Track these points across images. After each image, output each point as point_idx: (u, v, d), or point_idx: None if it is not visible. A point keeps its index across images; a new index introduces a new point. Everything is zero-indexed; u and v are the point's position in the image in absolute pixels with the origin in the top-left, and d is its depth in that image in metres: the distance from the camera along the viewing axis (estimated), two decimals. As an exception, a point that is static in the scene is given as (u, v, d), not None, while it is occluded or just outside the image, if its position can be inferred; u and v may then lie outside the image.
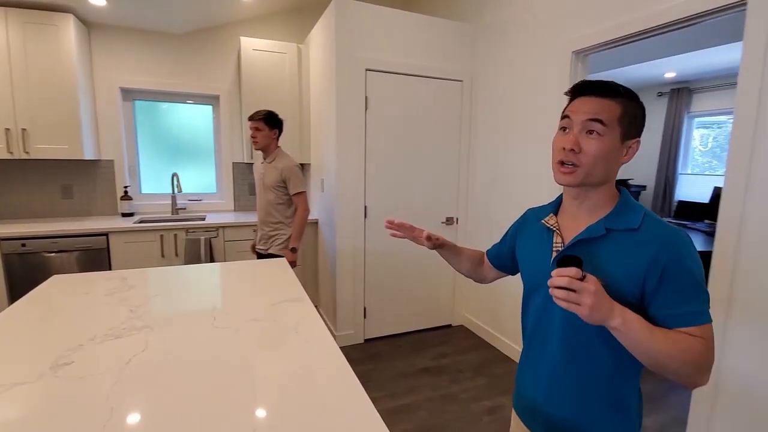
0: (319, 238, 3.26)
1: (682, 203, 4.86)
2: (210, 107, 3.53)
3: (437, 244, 1.10)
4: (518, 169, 2.63)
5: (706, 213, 4.42)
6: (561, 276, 0.69)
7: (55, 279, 1.60)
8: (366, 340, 2.96)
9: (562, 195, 0.95)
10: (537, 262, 0.92)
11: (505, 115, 2.72)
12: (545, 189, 2.40)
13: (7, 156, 2.70)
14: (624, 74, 4.53)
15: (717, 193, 4.50)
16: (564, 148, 0.81)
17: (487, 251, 1.17)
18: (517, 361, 2.61)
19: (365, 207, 2.83)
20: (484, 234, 2.96)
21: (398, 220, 1.09)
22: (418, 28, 2.81)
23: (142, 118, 3.38)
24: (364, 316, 2.93)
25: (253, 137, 2.45)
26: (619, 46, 2.09)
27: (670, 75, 4.58)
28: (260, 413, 0.78)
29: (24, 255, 2.60)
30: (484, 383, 2.42)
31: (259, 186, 2.57)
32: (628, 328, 0.70)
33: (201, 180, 3.60)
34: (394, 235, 1.10)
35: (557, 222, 0.90)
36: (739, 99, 1.50)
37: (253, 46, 3.11)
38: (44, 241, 2.63)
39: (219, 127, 3.52)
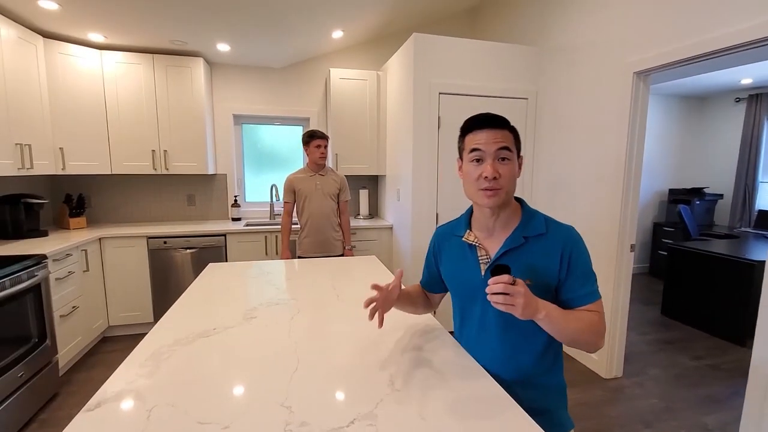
0: (393, 241, 3.67)
1: (762, 212, 4.64)
2: (301, 127, 4.11)
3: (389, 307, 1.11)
4: (577, 180, 2.85)
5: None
6: (497, 283, 0.84)
7: (211, 267, 2.14)
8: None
9: (468, 213, 1.12)
10: (467, 277, 1.07)
11: (568, 131, 2.95)
12: (602, 198, 2.60)
13: (152, 172, 3.43)
14: (698, 81, 4.47)
15: (805, 202, 4.26)
16: (486, 177, 0.95)
17: (421, 283, 1.29)
18: (577, 358, 2.93)
19: (437, 214, 3.19)
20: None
21: (368, 299, 1.03)
22: (486, 53, 3.14)
23: (247, 137, 4.04)
24: (433, 313, 3.27)
25: (322, 154, 2.77)
26: (680, 67, 2.26)
27: (746, 81, 4.44)
28: (384, 349, 1.17)
29: (165, 250, 3.28)
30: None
31: (317, 196, 2.77)
32: (551, 317, 0.89)
33: (291, 190, 4.19)
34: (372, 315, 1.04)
35: (477, 237, 1.06)
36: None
37: (340, 75, 3.63)
38: (179, 240, 3.30)
39: (308, 144, 4.09)
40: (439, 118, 3.09)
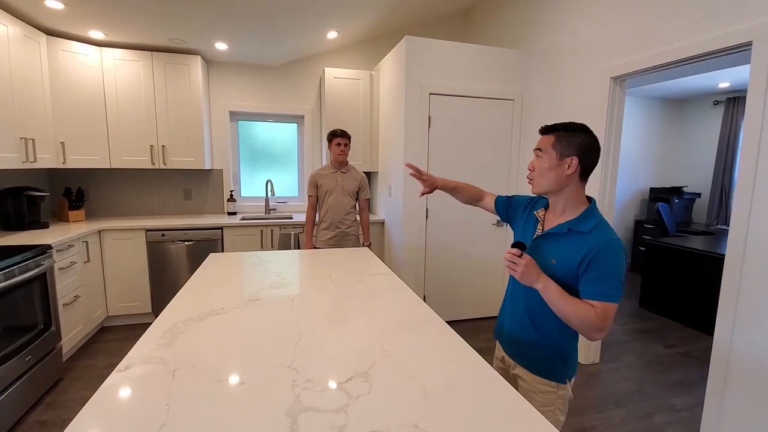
0: (385, 236, 3.81)
1: (738, 211, 4.87)
2: (295, 125, 4.23)
3: (432, 189, 1.64)
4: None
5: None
6: (509, 253, 1.16)
7: (213, 257, 2.25)
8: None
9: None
10: (523, 238, 1.34)
11: (552, 131, 3.11)
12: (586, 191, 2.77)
13: (151, 166, 3.52)
14: (678, 85, 4.68)
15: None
16: (528, 168, 1.28)
17: (497, 198, 1.56)
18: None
19: (426, 209, 3.33)
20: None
21: (415, 167, 1.63)
22: (475, 56, 3.29)
23: (243, 134, 4.14)
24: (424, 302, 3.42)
25: (342, 152, 2.89)
26: (653, 73, 2.43)
27: (724, 85, 4.67)
28: (381, 328, 1.31)
29: (162, 242, 3.38)
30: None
31: (338, 192, 2.91)
32: (547, 291, 1.13)
33: (284, 185, 4.30)
34: (412, 175, 1.64)
35: (544, 215, 1.31)
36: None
37: (335, 75, 3.75)
38: (177, 232, 3.40)
39: (302, 141, 4.21)
40: (429, 117, 3.24)
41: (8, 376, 2.05)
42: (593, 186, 2.70)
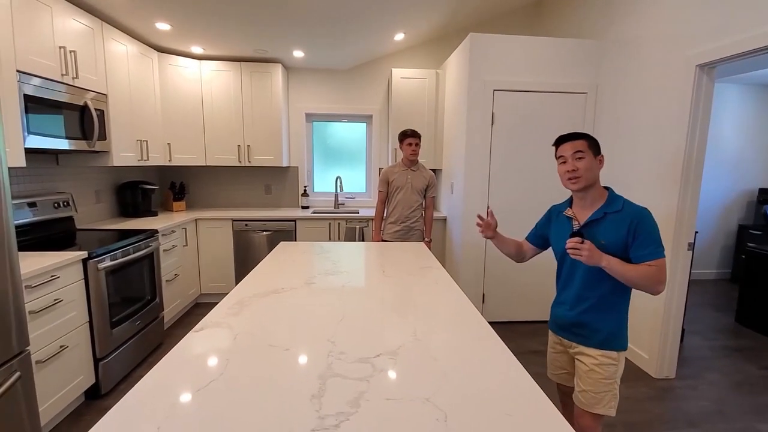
0: (446, 233, 3.85)
1: None
2: (364, 124, 4.44)
3: (492, 236, 1.75)
4: (635, 176, 2.81)
5: None
6: (571, 242, 1.35)
7: (282, 245, 2.52)
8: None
9: (571, 198, 1.57)
10: (562, 237, 1.50)
11: (627, 125, 2.91)
12: (660, 195, 2.57)
13: (238, 164, 3.96)
14: None
15: None
16: (568, 171, 1.45)
17: (527, 237, 1.78)
18: (628, 356, 3.03)
19: (488, 207, 3.31)
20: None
21: (486, 219, 1.75)
22: (543, 49, 3.19)
23: (316, 133, 4.46)
24: (483, 301, 3.42)
25: (413, 151, 3.00)
26: (746, 58, 2.17)
27: None
28: (418, 316, 1.40)
29: (246, 232, 3.80)
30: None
31: (407, 189, 3.03)
32: (611, 265, 1.33)
33: (354, 182, 4.54)
34: (481, 232, 1.76)
35: (573, 212, 1.52)
36: None
37: (402, 75, 3.87)
38: (258, 223, 3.80)
39: (371, 139, 4.41)
40: (492, 114, 3.21)
41: (122, 336, 2.51)
42: (672, 186, 2.49)
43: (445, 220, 3.88)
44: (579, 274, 1.49)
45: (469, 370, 1.02)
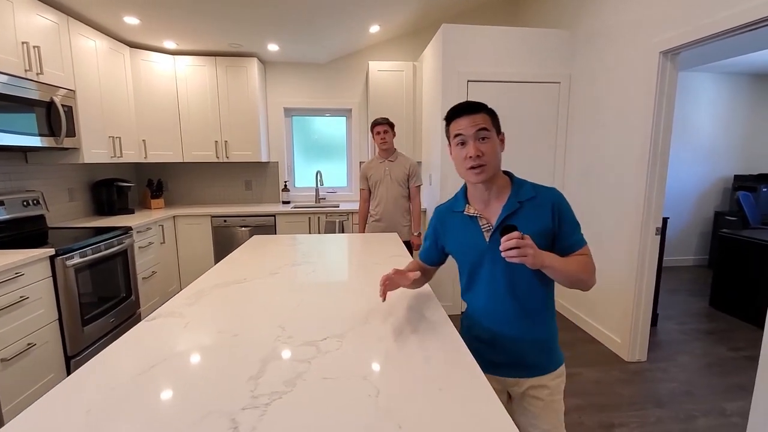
0: (425, 225, 3.87)
1: None
2: (344, 118, 4.43)
3: (408, 283, 1.26)
4: (606, 164, 2.85)
5: None
6: (510, 240, 0.96)
7: (255, 238, 2.52)
8: (462, 313, 3.46)
9: (463, 190, 1.24)
10: (473, 245, 1.17)
11: (599, 114, 2.94)
12: (628, 181, 2.60)
13: (215, 160, 3.94)
14: (745, 61, 4.11)
15: None
16: (470, 157, 1.08)
17: (420, 257, 1.41)
18: (601, 340, 3.04)
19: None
20: (576, 224, 3.21)
21: (382, 286, 1.18)
22: (517, 39, 3.20)
23: (296, 128, 4.44)
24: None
25: (383, 140, 2.87)
26: (711, 42, 2.19)
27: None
28: (376, 303, 1.42)
29: (225, 227, 3.78)
30: (569, 355, 2.73)
31: (387, 181, 2.90)
32: (554, 264, 1.02)
33: (335, 176, 4.54)
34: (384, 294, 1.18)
35: (476, 209, 1.17)
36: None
37: (379, 68, 3.87)
38: (237, 219, 3.78)
39: (351, 133, 4.40)
40: (467, 105, 3.22)
41: (95, 333, 2.50)
42: (640, 172, 2.53)
43: (425, 212, 3.89)
44: (505, 282, 1.14)
45: (412, 349, 1.03)
